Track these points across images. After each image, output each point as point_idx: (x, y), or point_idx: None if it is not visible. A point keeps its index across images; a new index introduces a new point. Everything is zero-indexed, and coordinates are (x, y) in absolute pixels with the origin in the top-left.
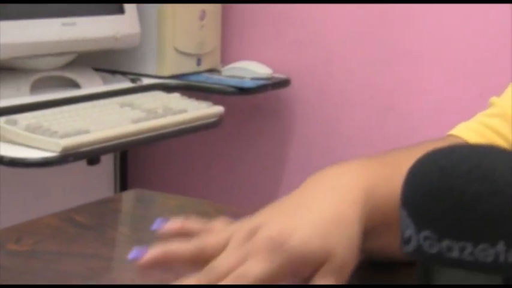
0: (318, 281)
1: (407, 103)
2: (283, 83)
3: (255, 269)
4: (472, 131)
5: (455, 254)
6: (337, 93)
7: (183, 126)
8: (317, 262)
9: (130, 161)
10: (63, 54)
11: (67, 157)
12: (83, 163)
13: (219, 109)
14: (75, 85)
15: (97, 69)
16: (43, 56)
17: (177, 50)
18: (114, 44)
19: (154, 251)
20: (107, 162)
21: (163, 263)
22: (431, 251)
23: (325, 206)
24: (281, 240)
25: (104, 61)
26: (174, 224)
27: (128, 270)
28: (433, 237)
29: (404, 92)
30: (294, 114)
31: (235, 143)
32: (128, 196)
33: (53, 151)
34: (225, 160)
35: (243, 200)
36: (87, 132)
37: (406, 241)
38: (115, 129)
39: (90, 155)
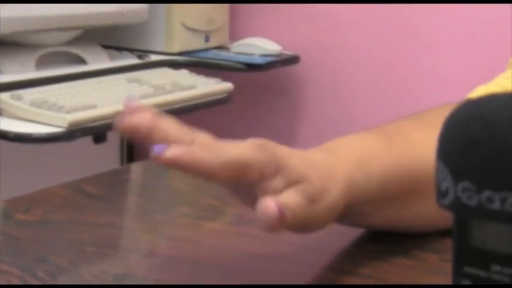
0: (287, 191)
1: (419, 80)
2: (293, 60)
3: (235, 148)
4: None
5: (496, 205)
6: (347, 70)
7: (191, 103)
8: (292, 179)
9: None
10: (69, 29)
11: (74, 132)
12: (89, 142)
13: (228, 85)
14: (82, 61)
15: (104, 46)
16: (48, 30)
17: (185, 26)
18: (121, 19)
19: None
20: (114, 140)
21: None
22: (470, 203)
23: (318, 156)
24: (270, 145)
25: (111, 38)
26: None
27: (143, 239)
28: (473, 189)
29: (416, 68)
30: (304, 92)
31: (244, 121)
32: (139, 167)
33: (60, 126)
34: (234, 138)
35: None
36: (94, 107)
37: (443, 194)
38: (122, 105)
39: (98, 131)
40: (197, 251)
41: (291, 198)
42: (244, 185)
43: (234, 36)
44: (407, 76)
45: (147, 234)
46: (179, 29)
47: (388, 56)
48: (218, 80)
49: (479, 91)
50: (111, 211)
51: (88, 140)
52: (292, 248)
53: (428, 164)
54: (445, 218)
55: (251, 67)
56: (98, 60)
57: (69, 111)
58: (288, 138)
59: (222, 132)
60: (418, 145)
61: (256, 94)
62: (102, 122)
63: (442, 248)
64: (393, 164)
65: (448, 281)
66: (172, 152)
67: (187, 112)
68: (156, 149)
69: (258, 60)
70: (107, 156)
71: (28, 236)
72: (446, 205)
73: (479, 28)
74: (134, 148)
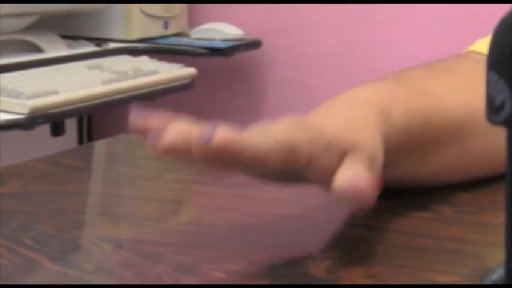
0: (346, 165)
1: (382, 61)
2: (255, 44)
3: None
4: None
5: None
6: (310, 53)
7: (155, 88)
8: (345, 147)
9: (96, 131)
10: (23, 15)
11: (35, 119)
12: (46, 134)
13: (191, 71)
14: (38, 49)
15: (60, 36)
16: (1, 17)
17: (143, 13)
18: (78, 6)
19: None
20: (71, 133)
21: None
22: None
23: (347, 113)
24: (308, 121)
25: (67, 26)
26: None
27: (136, 205)
28: None
29: (380, 49)
30: (266, 76)
31: (207, 107)
32: (116, 140)
33: (20, 113)
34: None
35: None
36: (55, 93)
37: (497, 109)
38: (85, 90)
39: (60, 118)
40: (199, 213)
41: (356, 169)
42: (292, 172)
43: (193, 23)
44: (370, 57)
45: (139, 200)
46: (138, 16)
47: (350, 37)
48: (181, 65)
49: (480, 44)
50: (94, 181)
51: (45, 132)
52: (303, 207)
53: (446, 115)
54: (462, 171)
55: (213, 51)
56: (55, 48)
57: (30, 97)
58: (251, 123)
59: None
60: (434, 95)
61: (219, 80)
62: (64, 109)
63: (457, 200)
64: (415, 112)
65: (466, 230)
66: (220, 137)
67: (150, 98)
68: (202, 137)
69: (219, 44)
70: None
71: (7, 207)
72: (501, 121)
73: (442, 6)
74: (93, 140)
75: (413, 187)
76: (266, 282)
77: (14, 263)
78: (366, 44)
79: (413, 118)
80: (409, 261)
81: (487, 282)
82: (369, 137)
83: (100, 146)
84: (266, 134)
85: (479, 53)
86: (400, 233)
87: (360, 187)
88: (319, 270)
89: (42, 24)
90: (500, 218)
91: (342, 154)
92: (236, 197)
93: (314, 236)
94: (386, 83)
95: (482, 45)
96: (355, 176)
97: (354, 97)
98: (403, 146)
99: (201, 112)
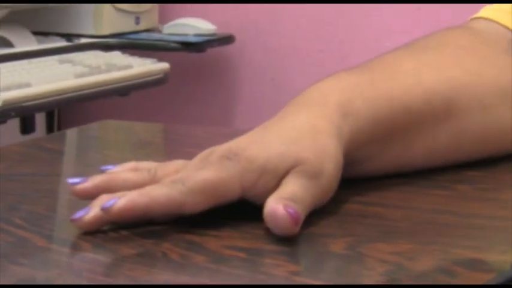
0: (284, 183)
1: (360, 54)
2: (228, 39)
3: (200, 174)
4: (503, 12)
5: None
6: (285, 48)
7: (128, 83)
8: (281, 170)
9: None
10: None
11: (9, 112)
12: (16, 132)
13: (164, 65)
14: (8, 44)
15: (31, 32)
16: None
17: (115, 8)
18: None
19: (96, 178)
20: (41, 132)
21: (107, 189)
22: None
23: (296, 120)
24: (237, 150)
25: (38, 22)
26: (127, 164)
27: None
28: None
29: (356, 42)
30: (240, 72)
31: (179, 102)
32: (99, 125)
33: None
34: (170, 118)
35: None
36: (28, 85)
37: None
38: (58, 83)
39: (33, 111)
40: None
41: (294, 186)
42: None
43: (165, 18)
44: (346, 52)
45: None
46: (109, 10)
47: (327, 30)
48: (154, 60)
49: (487, 10)
50: (82, 164)
51: (15, 130)
52: None
53: (425, 94)
54: (457, 151)
55: (186, 46)
56: (26, 43)
57: (2, 90)
58: (225, 118)
59: (158, 112)
60: (407, 75)
61: (191, 75)
62: (37, 102)
63: (472, 178)
64: (382, 98)
65: (490, 207)
66: (118, 205)
67: (124, 93)
68: (103, 207)
69: (192, 39)
70: None
71: None
72: None
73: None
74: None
75: (400, 172)
76: (284, 259)
77: (6, 242)
78: (343, 39)
79: (380, 105)
80: (436, 237)
81: None
82: (313, 150)
83: (83, 131)
84: (179, 183)
85: (488, 19)
86: (419, 210)
87: (280, 217)
88: (339, 247)
89: (13, 20)
90: None
91: (281, 174)
92: None
93: (325, 214)
94: (349, 75)
95: (491, 12)
96: (274, 205)
97: (309, 98)
98: (381, 133)
99: (173, 107)
